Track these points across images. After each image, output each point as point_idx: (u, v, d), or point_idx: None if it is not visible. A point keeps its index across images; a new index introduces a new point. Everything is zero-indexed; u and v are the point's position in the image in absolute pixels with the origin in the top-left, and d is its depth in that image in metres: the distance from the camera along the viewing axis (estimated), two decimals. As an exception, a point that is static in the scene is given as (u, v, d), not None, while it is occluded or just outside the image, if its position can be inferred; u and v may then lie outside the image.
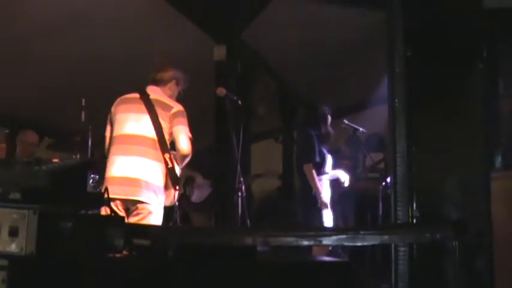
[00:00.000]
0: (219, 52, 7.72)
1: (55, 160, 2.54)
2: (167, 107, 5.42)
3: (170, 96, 5.62)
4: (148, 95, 5.47)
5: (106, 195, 2.65)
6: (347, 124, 7.91)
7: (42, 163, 2.43)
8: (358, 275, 7.29)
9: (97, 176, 5.60)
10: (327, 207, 7.13)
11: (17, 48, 7.96)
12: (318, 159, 7.27)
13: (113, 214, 2.93)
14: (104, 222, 2.50)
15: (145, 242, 2.68)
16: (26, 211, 2.22)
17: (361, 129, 7.97)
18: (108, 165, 5.30)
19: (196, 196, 8.50)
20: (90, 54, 8.19)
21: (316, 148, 7.30)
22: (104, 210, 4.19)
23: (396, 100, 2.85)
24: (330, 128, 7.56)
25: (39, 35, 7.73)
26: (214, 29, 7.91)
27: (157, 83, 5.61)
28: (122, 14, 7.67)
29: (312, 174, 7.14)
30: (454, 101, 2.80)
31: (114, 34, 7.88)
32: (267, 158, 11.41)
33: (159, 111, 5.37)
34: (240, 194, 6.05)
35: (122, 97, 5.59)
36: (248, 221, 6.03)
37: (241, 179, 6.07)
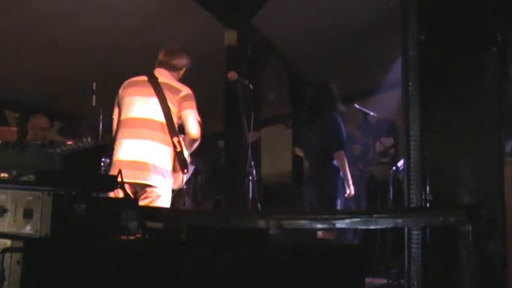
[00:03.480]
0: (230, 37, 7.71)
1: (69, 143, 2.53)
2: (176, 91, 5.40)
3: (177, 80, 5.60)
4: (156, 78, 5.45)
5: (120, 178, 2.63)
6: (358, 108, 7.85)
7: (56, 146, 2.43)
8: (368, 259, 7.33)
9: (108, 160, 5.64)
10: (353, 193, 7.07)
11: (28, 33, 7.98)
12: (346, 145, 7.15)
13: (126, 197, 2.92)
14: (117, 204, 2.50)
15: (158, 225, 2.68)
16: (41, 193, 2.22)
17: (371, 113, 7.92)
18: (116, 148, 5.30)
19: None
20: (101, 39, 8.20)
21: (344, 132, 7.13)
22: (114, 193, 4.23)
23: (410, 84, 2.83)
24: (342, 107, 7.39)
25: (51, 20, 7.74)
26: (224, 14, 7.90)
27: (169, 67, 5.57)
28: (132, 0, 7.66)
29: (344, 162, 6.96)
30: (468, 85, 2.77)
31: (125, 20, 7.87)
32: (276, 143, 11.43)
33: (168, 95, 5.35)
34: (250, 178, 6.05)
35: (130, 80, 5.56)
36: (259, 205, 6.03)
37: (252, 162, 6.07)
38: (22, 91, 9.41)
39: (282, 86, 10.78)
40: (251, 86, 6.06)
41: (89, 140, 6.28)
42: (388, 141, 9.14)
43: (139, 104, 5.36)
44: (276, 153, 11.42)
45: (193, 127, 5.32)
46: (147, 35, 7.92)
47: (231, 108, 7.02)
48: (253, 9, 7.98)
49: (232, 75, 6.00)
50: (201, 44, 8.13)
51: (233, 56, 7.71)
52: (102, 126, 6.42)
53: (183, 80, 5.61)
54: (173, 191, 5.43)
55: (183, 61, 5.64)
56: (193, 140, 5.36)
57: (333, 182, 7.00)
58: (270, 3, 7.83)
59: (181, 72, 5.64)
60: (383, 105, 8.99)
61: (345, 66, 10.14)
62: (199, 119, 5.38)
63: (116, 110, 5.55)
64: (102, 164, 5.53)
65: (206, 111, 8.43)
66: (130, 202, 2.60)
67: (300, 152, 7.92)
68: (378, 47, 8.87)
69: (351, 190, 7.03)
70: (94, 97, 6.44)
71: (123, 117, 5.41)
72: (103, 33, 8.09)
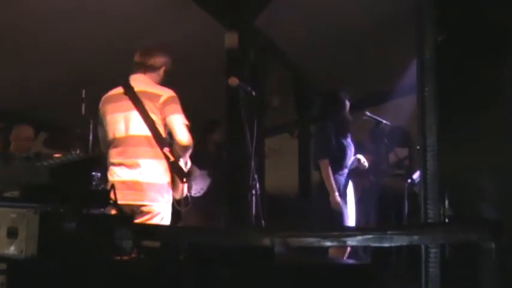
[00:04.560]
0: (231, 39, 7.69)
1: (56, 156, 2.52)
2: (155, 97, 5.35)
3: (157, 82, 5.56)
4: (132, 88, 5.43)
5: (113, 193, 2.63)
6: (369, 116, 7.82)
7: (42, 158, 2.42)
8: (381, 279, 7.29)
9: (99, 174, 5.66)
10: (339, 207, 7.01)
11: (13, 38, 7.96)
12: (335, 153, 7.18)
13: (119, 213, 2.92)
14: (110, 222, 2.49)
15: (155, 244, 2.67)
16: (26, 210, 2.20)
17: (384, 121, 7.91)
18: (109, 169, 5.38)
19: (196, 189, 8.48)
20: (91, 43, 8.19)
21: (333, 141, 7.19)
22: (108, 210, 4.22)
23: (426, 89, 2.82)
24: (348, 115, 7.41)
25: (36, 22, 7.74)
26: (225, 15, 7.89)
27: (146, 69, 5.54)
28: (126, 1, 7.67)
29: (327, 171, 7.02)
30: (490, 89, 2.77)
31: (118, 22, 7.87)
32: (282, 153, 11.42)
33: (147, 104, 5.31)
34: (254, 192, 6.02)
35: (107, 95, 5.57)
36: (263, 222, 6.01)
37: (255, 175, 6.05)
38: (4, 99, 9.39)
39: (287, 92, 10.76)
40: (254, 93, 6.05)
41: (78, 152, 6.27)
42: (403, 152, 9.12)
43: (120, 122, 5.37)
44: (281, 164, 11.39)
45: (182, 133, 5.28)
46: (141, 38, 7.90)
47: (233, 117, 7.01)
48: (256, 10, 7.97)
49: (234, 81, 5.98)
50: (200, 47, 8.14)
51: (234, 60, 7.69)
52: (93, 137, 6.40)
53: (168, 82, 5.59)
54: (176, 202, 5.45)
55: (160, 59, 5.60)
56: (185, 147, 5.32)
57: (326, 192, 7.05)
58: (274, 3, 7.83)
59: (161, 71, 5.60)
60: (397, 112, 8.96)
61: (355, 70, 10.12)
62: (187, 122, 5.35)
63: (100, 129, 5.59)
64: (93, 178, 5.54)
65: (205, 119, 8.47)
66: (125, 219, 2.59)
67: None
68: (391, 49, 8.86)
69: (333, 202, 6.99)
70: (83, 105, 6.43)
71: (109, 137, 5.45)
72: (94, 36, 8.09)
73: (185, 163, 5.51)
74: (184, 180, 5.43)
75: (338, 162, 7.21)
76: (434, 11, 2.83)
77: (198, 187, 8.44)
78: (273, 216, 9.29)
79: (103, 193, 2.81)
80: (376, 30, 8.83)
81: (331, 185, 7.01)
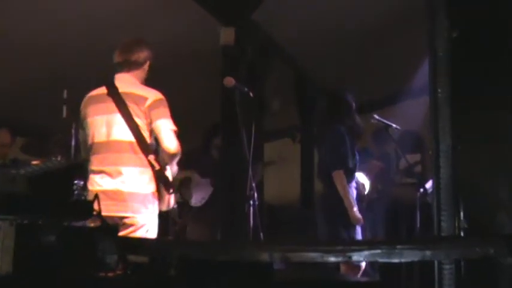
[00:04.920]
0: (227, 35, 7.70)
1: (35, 162, 2.52)
2: (141, 100, 5.33)
3: (142, 80, 5.55)
4: (116, 89, 5.41)
5: (97, 204, 2.62)
6: (377, 119, 7.80)
7: (19, 166, 2.41)
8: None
9: (81, 182, 5.65)
10: (360, 222, 6.97)
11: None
12: (350, 164, 7.08)
13: (103, 225, 2.91)
14: (93, 235, 2.48)
15: (142, 259, 2.66)
16: (1, 222, 2.20)
17: (394, 125, 7.89)
18: (89, 177, 5.37)
19: (196, 198, 8.50)
20: (74, 37, 8.16)
21: (349, 149, 7.09)
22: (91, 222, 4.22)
23: (439, 90, 2.82)
24: (358, 120, 7.35)
25: (11, 13, 7.71)
26: (220, 9, 7.89)
27: (129, 66, 5.52)
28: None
29: (343, 183, 6.90)
30: (508, 90, 2.77)
31: (102, 15, 7.85)
32: (282, 160, 11.39)
33: (132, 107, 5.29)
34: (251, 202, 6.03)
35: (89, 95, 5.55)
36: (261, 234, 6.01)
37: (253, 184, 6.05)
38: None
39: (288, 93, 10.77)
40: (251, 94, 6.05)
41: (58, 158, 6.25)
42: (414, 158, 9.12)
43: (102, 125, 5.36)
44: (282, 172, 11.38)
45: (169, 140, 5.25)
46: (128, 34, 7.87)
47: (228, 121, 7.01)
48: (254, 3, 7.97)
49: (230, 81, 5.98)
50: (192, 44, 8.14)
51: (230, 58, 7.69)
52: (75, 142, 6.39)
53: (156, 85, 5.57)
54: (161, 214, 5.44)
55: (143, 54, 5.57)
56: (172, 155, 5.30)
57: (335, 207, 6.96)
58: (274, -5, 7.84)
59: (146, 66, 5.59)
60: (407, 115, 8.97)
61: (362, 70, 10.14)
62: (174, 128, 5.33)
63: (81, 132, 5.59)
64: (75, 187, 5.52)
65: (199, 123, 8.47)
66: (109, 232, 2.58)
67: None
68: (402, 46, 8.87)
69: (353, 219, 6.93)
70: (65, 107, 6.41)
71: (89, 142, 5.45)
72: (76, 30, 8.06)
73: (173, 172, 5.50)
74: (171, 190, 5.41)
75: (351, 174, 7.14)
76: (448, 4, 2.83)
77: (199, 196, 8.47)
78: (273, 229, 9.29)
79: (86, 204, 2.80)
80: (384, 25, 8.85)
81: (350, 199, 6.90)
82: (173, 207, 5.61)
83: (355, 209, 6.90)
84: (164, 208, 5.45)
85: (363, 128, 7.46)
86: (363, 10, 8.48)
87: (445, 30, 2.83)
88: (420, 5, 3.11)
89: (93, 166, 5.37)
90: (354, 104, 7.33)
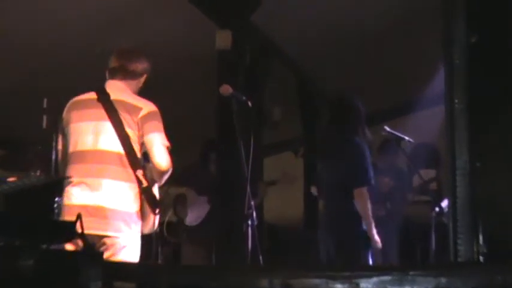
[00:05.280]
0: (223, 39, 7.71)
1: (11, 179, 2.52)
2: (134, 109, 5.32)
3: (135, 93, 5.54)
4: (108, 95, 5.41)
5: (80, 225, 2.62)
6: (388, 131, 7.78)
7: (-5, 182, 2.41)
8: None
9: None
10: (379, 245, 6.94)
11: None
12: (374, 180, 7.01)
13: (87, 249, 2.91)
14: (76, 259, 2.48)
15: (129, 285, 2.66)
16: (-26, 245, 2.20)
17: (406, 138, 7.88)
18: (65, 190, 5.31)
19: (192, 217, 8.49)
20: (57, 40, 8.17)
21: (370, 164, 7.02)
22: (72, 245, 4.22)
23: (456, 100, 2.82)
24: (367, 131, 7.30)
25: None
26: (216, 10, 7.92)
27: (125, 75, 5.52)
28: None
29: (366, 201, 6.81)
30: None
31: (89, 16, 7.87)
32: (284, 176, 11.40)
33: (124, 116, 5.28)
34: (250, 222, 6.02)
35: (75, 99, 5.50)
36: (261, 258, 6.00)
37: (252, 202, 6.05)
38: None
39: (290, 101, 10.77)
40: (250, 103, 6.06)
41: (38, 174, 6.25)
42: (429, 174, 9.10)
43: (89, 133, 5.32)
44: (283, 189, 11.38)
45: (161, 156, 5.24)
46: (117, 37, 7.88)
47: (225, 132, 7.01)
48: (253, 4, 8.00)
49: (226, 89, 5.97)
50: (186, 48, 8.15)
51: (227, 64, 7.71)
52: (56, 155, 6.40)
53: (146, 93, 5.57)
54: (166, 231, 5.45)
55: (143, 65, 5.58)
56: (162, 172, 5.29)
57: (355, 227, 6.93)
58: (274, -4, 7.87)
59: (142, 80, 5.60)
60: (421, 127, 8.97)
61: (371, 76, 10.15)
62: (167, 144, 5.32)
63: (60, 140, 5.55)
64: (55, 205, 5.50)
65: (193, 135, 8.47)
66: (93, 256, 2.58)
67: (315, 190, 7.88)
68: (415, 51, 8.88)
69: (374, 242, 6.92)
70: (45, 117, 6.42)
71: (70, 150, 5.38)
72: (60, 32, 8.07)
73: (159, 192, 5.49)
74: (157, 211, 5.39)
75: (371, 191, 7.10)
76: (466, 5, 2.83)
77: (195, 215, 8.46)
78: (273, 252, 9.29)
79: (67, 224, 2.79)
80: (396, 27, 8.86)
81: (371, 219, 6.89)
82: (156, 231, 5.57)
83: (375, 231, 6.88)
84: (147, 230, 5.40)
85: (371, 139, 7.41)
86: (373, 10, 8.49)
87: (463, 33, 2.84)
88: (436, 5, 3.12)
89: (75, 177, 5.30)
90: (364, 112, 7.26)
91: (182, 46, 8.08)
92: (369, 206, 6.85)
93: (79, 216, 2.66)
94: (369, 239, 6.87)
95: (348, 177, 6.93)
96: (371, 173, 6.95)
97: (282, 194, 10.96)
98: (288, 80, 10.31)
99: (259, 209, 7.66)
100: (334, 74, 10.08)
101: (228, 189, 7.44)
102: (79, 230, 2.69)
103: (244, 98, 6.04)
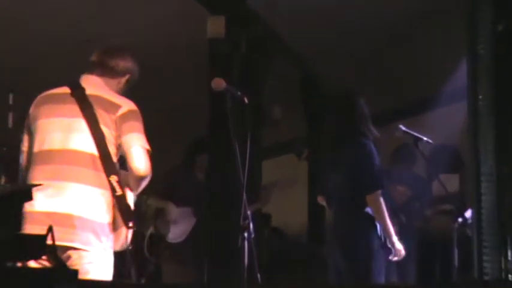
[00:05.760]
0: (215, 26, 7.72)
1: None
2: (112, 106, 5.28)
3: (118, 93, 5.52)
4: (83, 90, 5.39)
5: (51, 239, 2.62)
6: (404, 131, 7.78)
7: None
8: None
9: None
10: (402, 254, 6.96)
11: None
12: (385, 183, 7.04)
13: (58, 266, 2.90)
14: (46, 278, 2.48)
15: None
16: None
17: (425, 138, 7.88)
18: None
19: (175, 233, 8.44)
20: (25, 29, 8.19)
21: (379, 165, 7.03)
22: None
23: (480, 96, 2.82)
24: (372, 128, 7.30)
25: None
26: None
27: (105, 71, 5.50)
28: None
29: (381, 206, 6.85)
30: None
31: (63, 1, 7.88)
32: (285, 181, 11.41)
33: (100, 113, 5.24)
34: (246, 234, 6.02)
35: (45, 94, 5.45)
36: (259, 276, 6.00)
37: (249, 212, 6.05)
38: None
39: (292, 98, 10.78)
40: (246, 99, 6.06)
41: (3, 181, 6.25)
42: (450, 179, 9.10)
43: (56, 130, 5.28)
44: (284, 196, 11.39)
45: (139, 159, 5.19)
46: (95, 25, 7.91)
47: (217, 133, 7.02)
48: (249, -14, 8.02)
49: (219, 83, 5.96)
50: (174, 36, 8.15)
51: (220, 54, 7.71)
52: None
53: (128, 94, 5.56)
54: (115, 254, 5.36)
55: (125, 64, 5.55)
56: (140, 178, 5.24)
57: (366, 240, 6.94)
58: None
59: (123, 80, 5.56)
60: (442, 125, 8.98)
61: (384, 70, 10.16)
62: (147, 147, 5.29)
63: (26, 138, 5.50)
64: (22, 217, 5.47)
65: (179, 137, 8.47)
66: (65, 274, 2.58)
67: (322, 200, 7.88)
68: (433, 41, 8.89)
69: (396, 251, 6.95)
70: (11, 115, 6.42)
71: (36, 149, 5.34)
72: (28, 21, 8.08)
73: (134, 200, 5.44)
74: (130, 224, 5.33)
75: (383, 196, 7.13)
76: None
77: (178, 230, 8.40)
78: (274, 268, 9.29)
79: (36, 238, 2.78)
80: (413, 15, 8.87)
81: (390, 225, 6.91)
82: (128, 247, 5.49)
83: (396, 238, 6.90)
84: (118, 247, 5.34)
85: (378, 136, 7.38)
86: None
87: (489, 20, 2.83)
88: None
89: (36, 180, 5.25)
90: (367, 111, 7.26)
91: (169, 34, 8.08)
92: (386, 211, 6.87)
93: (50, 229, 2.65)
94: (381, 250, 6.90)
95: (357, 183, 6.96)
96: (382, 175, 6.98)
97: (283, 202, 10.97)
98: (290, 74, 10.31)
99: (257, 219, 7.65)
100: (342, 69, 10.07)
101: (220, 198, 7.44)
102: (52, 247, 2.68)
103: (239, 93, 6.03)
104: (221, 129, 6.21)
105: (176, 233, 8.31)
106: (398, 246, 6.89)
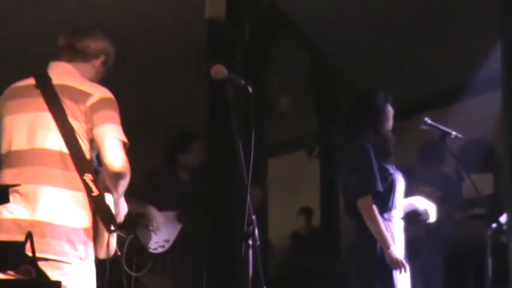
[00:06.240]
0: (215, 6, 7.72)
1: None
2: (81, 96, 5.17)
3: (91, 80, 5.46)
4: (49, 79, 5.35)
5: (31, 249, 2.63)
6: (430, 124, 7.76)
7: None
8: None
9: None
10: (400, 266, 6.97)
11: None
12: (380, 187, 7.07)
13: (40, 278, 2.92)
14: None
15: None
16: None
17: (453, 133, 7.86)
18: None
19: (157, 242, 8.37)
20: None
21: (376, 168, 7.08)
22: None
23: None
24: (389, 131, 7.29)
25: None
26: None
27: (74, 55, 5.46)
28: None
29: (372, 212, 6.87)
30: None
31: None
32: (294, 180, 11.42)
33: (68, 105, 5.16)
34: (251, 242, 6.03)
35: (11, 87, 5.40)
36: (264, 288, 6.02)
37: (253, 217, 6.05)
38: None
39: (302, 88, 10.78)
40: (250, 89, 6.06)
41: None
42: (484, 179, 9.09)
43: (22, 128, 5.24)
44: (294, 199, 11.41)
45: (114, 153, 5.07)
46: (82, 9, 7.92)
47: (217, 127, 7.03)
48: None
49: (219, 70, 5.97)
50: (169, 18, 8.16)
51: (220, 38, 7.71)
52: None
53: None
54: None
55: (97, 44, 5.47)
56: (115, 175, 5.13)
57: (367, 248, 6.97)
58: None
59: (97, 63, 5.51)
60: (472, 119, 8.99)
61: (407, 56, 10.16)
62: (124, 139, 5.21)
63: None
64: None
65: (175, 129, 8.48)
66: (49, 286, 2.59)
67: None
68: (461, 25, 8.90)
69: (390, 259, 6.93)
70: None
71: (4, 150, 5.31)
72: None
73: (117, 202, 5.39)
74: (112, 227, 5.26)
75: (383, 201, 7.13)
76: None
77: (161, 238, 8.34)
78: (282, 279, 9.32)
79: (14, 246, 2.78)
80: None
81: (383, 234, 6.88)
82: (117, 254, 5.45)
83: (393, 247, 6.88)
84: (102, 254, 5.30)
85: (393, 139, 7.38)
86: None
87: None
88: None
89: (6, 183, 5.22)
90: (389, 109, 7.25)
91: (163, 14, 8.09)
92: (379, 218, 6.87)
93: (29, 236, 2.67)
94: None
95: (351, 187, 7.07)
96: (375, 178, 6.98)
97: (292, 204, 10.98)
98: (300, 61, 10.31)
99: (263, 224, 7.67)
100: (359, 55, 10.07)
101: (221, 200, 7.45)
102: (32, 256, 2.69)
103: (242, 82, 6.03)
104: (221, 123, 6.23)
105: (158, 242, 8.25)
106: (392, 257, 6.86)
